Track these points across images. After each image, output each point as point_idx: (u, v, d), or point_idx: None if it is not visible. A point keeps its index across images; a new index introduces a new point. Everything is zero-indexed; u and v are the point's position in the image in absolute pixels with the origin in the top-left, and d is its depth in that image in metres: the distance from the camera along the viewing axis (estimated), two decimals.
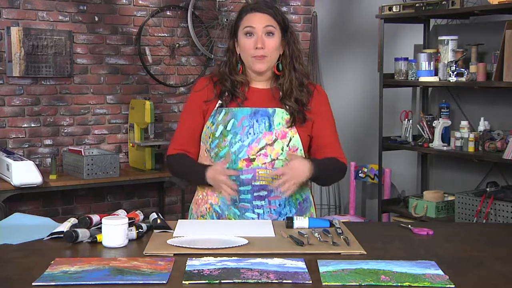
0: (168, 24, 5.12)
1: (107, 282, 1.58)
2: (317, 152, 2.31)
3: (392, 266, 1.71)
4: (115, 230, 1.90)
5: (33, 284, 1.57)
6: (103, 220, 1.93)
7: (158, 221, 2.07)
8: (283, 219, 2.20)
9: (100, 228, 1.96)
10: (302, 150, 2.28)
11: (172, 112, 5.19)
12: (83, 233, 1.94)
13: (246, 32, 2.25)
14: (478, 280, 1.65)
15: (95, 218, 2.04)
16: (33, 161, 4.17)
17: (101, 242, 1.91)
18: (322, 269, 1.68)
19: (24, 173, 4.01)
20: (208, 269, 1.66)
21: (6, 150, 4.32)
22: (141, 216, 2.14)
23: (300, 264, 1.72)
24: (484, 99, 4.20)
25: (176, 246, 1.86)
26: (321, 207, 5.54)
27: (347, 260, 1.77)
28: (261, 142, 2.22)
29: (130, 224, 1.97)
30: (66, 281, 1.58)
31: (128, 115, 4.92)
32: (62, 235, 1.95)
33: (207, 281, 1.58)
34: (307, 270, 1.67)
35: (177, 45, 5.13)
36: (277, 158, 2.23)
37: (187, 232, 2.03)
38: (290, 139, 2.25)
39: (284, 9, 5.55)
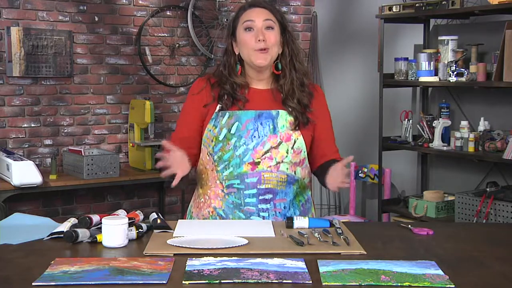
0: (168, 24, 5.12)
1: (107, 282, 1.58)
2: (317, 156, 2.31)
3: (392, 266, 1.71)
4: (115, 230, 1.89)
5: (33, 284, 1.57)
6: (103, 220, 1.93)
7: (158, 221, 2.06)
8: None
9: (100, 228, 1.96)
10: (306, 152, 2.27)
11: (172, 112, 5.20)
12: (83, 233, 1.94)
13: (245, 27, 2.23)
14: (478, 280, 1.65)
15: (95, 218, 2.04)
16: (33, 161, 4.17)
17: (101, 242, 1.91)
18: (322, 269, 1.68)
19: (24, 173, 4.02)
20: (208, 269, 1.66)
21: (6, 150, 4.32)
22: (141, 216, 2.14)
23: (300, 264, 1.72)
24: (484, 99, 4.20)
25: (176, 246, 1.86)
26: (321, 207, 5.54)
27: (347, 260, 1.77)
28: (266, 145, 2.21)
29: (130, 224, 1.97)
30: (66, 281, 1.58)
31: (128, 115, 4.93)
32: (62, 235, 1.95)
33: (207, 281, 1.58)
34: (307, 270, 1.67)
35: (177, 45, 5.13)
36: (282, 161, 2.21)
37: (187, 232, 2.03)
38: (295, 142, 2.23)
39: (284, 9, 5.55)
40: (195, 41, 5.15)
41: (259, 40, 2.20)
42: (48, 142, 4.69)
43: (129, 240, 1.94)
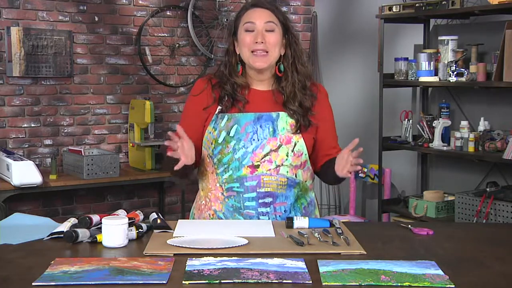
0: (168, 24, 5.12)
1: (107, 282, 1.58)
2: (319, 156, 2.30)
3: (392, 266, 1.71)
4: (115, 230, 1.89)
5: (33, 284, 1.57)
6: (103, 220, 1.93)
7: (158, 221, 2.06)
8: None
9: (100, 228, 1.96)
10: (307, 155, 2.24)
11: (172, 112, 5.20)
12: (83, 233, 1.94)
13: (246, 29, 2.21)
14: (478, 280, 1.65)
15: (95, 218, 2.04)
16: (33, 161, 4.17)
17: (101, 242, 1.91)
18: (322, 269, 1.68)
19: (24, 173, 4.02)
20: (208, 269, 1.66)
21: (6, 150, 4.32)
22: (141, 216, 2.14)
23: (300, 264, 1.72)
24: (484, 99, 4.20)
25: (176, 246, 1.86)
26: (321, 207, 5.54)
27: (347, 260, 1.77)
28: (266, 148, 2.19)
29: (130, 224, 1.97)
30: (66, 281, 1.58)
31: (128, 115, 4.93)
32: (62, 235, 1.95)
33: (207, 281, 1.58)
34: (307, 270, 1.67)
35: (177, 45, 5.13)
36: (282, 164, 2.19)
37: (187, 232, 2.03)
38: (295, 144, 2.21)
39: (284, 9, 5.55)
40: (195, 41, 5.15)
41: (257, 42, 2.18)
42: (48, 142, 4.69)
43: (129, 240, 1.94)
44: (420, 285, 1.58)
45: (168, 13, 5.12)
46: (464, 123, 4.13)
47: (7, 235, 2.00)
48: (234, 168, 2.19)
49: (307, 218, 2.11)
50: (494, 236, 2.13)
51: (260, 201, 2.19)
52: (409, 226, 2.17)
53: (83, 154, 4.41)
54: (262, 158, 2.18)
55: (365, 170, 4.99)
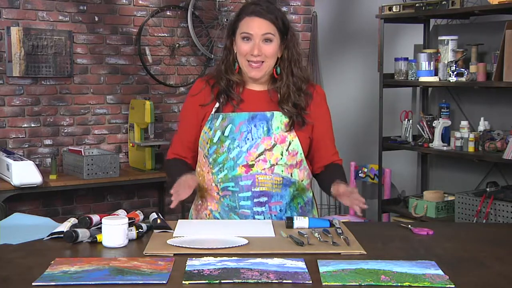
0: (168, 24, 5.12)
1: (107, 282, 1.58)
2: (315, 156, 2.31)
3: (392, 266, 1.71)
4: (115, 230, 1.89)
5: (33, 284, 1.57)
6: (103, 220, 1.93)
7: (158, 221, 2.06)
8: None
9: (100, 228, 1.96)
10: (302, 154, 2.25)
11: (172, 112, 5.20)
12: (83, 233, 1.94)
13: (243, 37, 2.20)
14: (478, 280, 1.65)
15: (95, 218, 2.04)
16: (33, 161, 4.17)
17: (101, 242, 1.91)
18: (322, 269, 1.68)
19: (24, 173, 4.02)
20: (208, 269, 1.66)
21: (6, 150, 4.32)
22: (141, 216, 2.14)
23: (300, 264, 1.72)
24: (484, 99, 4.20)
25: (176, 246, 1.86)
26: (321, 207, 5.54)
27: (347, 260, 1.77)
28: (260, 148, 2.19)
29: (130, 224, 1.97)
30: (66, 281, 1.58)
31: (128, 115, 4.93)
32: (62, 235, 1.95)
33: (207, 281, 1.58)
34: (307, 270, 1.67)
35: (177, 45, 5.13)
36: (276, 163, 2.20)
37: (187, 232, 2.03)
38: (290, 143, 2.21)
39: (284, 9, 5.55)
40: (195, 41, 5.15)
41: (253, 54, 2.17)
42: (48, 142, 4.69)
43: (129, 240, 1.94)
44: (420, 285, 1.58)
45: (168, 13, 5.12)
46: (464, 123, 4.13)
47: (7, 235, 2.00)
48: (229, 167, 2.20)
49: (307, 218, 2.12)
50: (494, 236, 2.14)
51: (255, 200, 2.20)
52: (409, 226, 2.17)
53: (83, 154, 4.41)
54: (256, 158, 2.19)
55: (365, 170, 4.98)
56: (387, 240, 2.03)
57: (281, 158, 2.20)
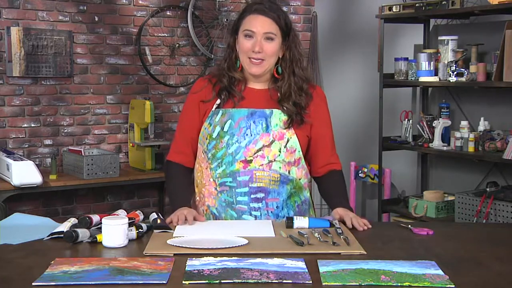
0: (168, 24, 5.12)
1: (107, 282, 1.58)
2: (313, 156, 2.33)
3: (392, 266, 1.71)
4: (115, 230, 1.89)
5: (33, 284, 1.57)
6: (103, 220, 1.93)
7: (158, 221, 2.07)
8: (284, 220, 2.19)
9: (100, 228, 1.96)
10: (300, 151, 2.26)
11: (172, 112, 5.20)
12: (83, 233, 1.94)
13: (245, 35, 2.23)
14: (478, 280, 1.65)
15: (95, 218, 2.04)
16: (33, 161, 4.17)
17: (101, 242, 1.91)
18: (322, 269, 1.68)
19: (24, 173, 4.01)
20: (208, 269, 1.66)
21: (6, 150, 4.32)
22: (141, 216, 2.15)
23: (300, 264, 1.72)
24: (484, 99, 4.20)
25: (176, 246, 1.86)
26: (321, 207, 5.54)
27: (347, 260, 1.77)
28: (258, 144, 2.21)
29: (130, 224, 1.97)
30: (66, 281, 1.58)
31: (128, 115, 4.93)
32: (62, 235, 1.95)
33: (207, 281, 1.58)
34: (307, 270, 1.67)
35: (177, 45, 5.13)
36: (274, 160, 2.21)
37: (187, 232, 2.03)
38: (288, 140, 2.23)
39: (284, 9, 5.52)
40: (195, 41, 5.15)
41: (255, 51, 2.19)
42: (48, 142, 4.69)
43: (129, 240, 1.94)
44: (420, 285, 1.58)
45: (168, 13, 5.12)
46: (464, 123, 4.13)
47: (7, 235, 2.00)
48: (227, 163, 2.21)
49: (307, 218, 2.12)
50: (494, 236, 2.13)
51: (252, 196, 2.21)
52: (409, 226, 2.17)
53: (83, 154, 4.41)
54: (254, 153, 2.20)
55: (365, 170, 4.98)
56: (387, 240, 2.03)
57: (279, 155, 2.22)
